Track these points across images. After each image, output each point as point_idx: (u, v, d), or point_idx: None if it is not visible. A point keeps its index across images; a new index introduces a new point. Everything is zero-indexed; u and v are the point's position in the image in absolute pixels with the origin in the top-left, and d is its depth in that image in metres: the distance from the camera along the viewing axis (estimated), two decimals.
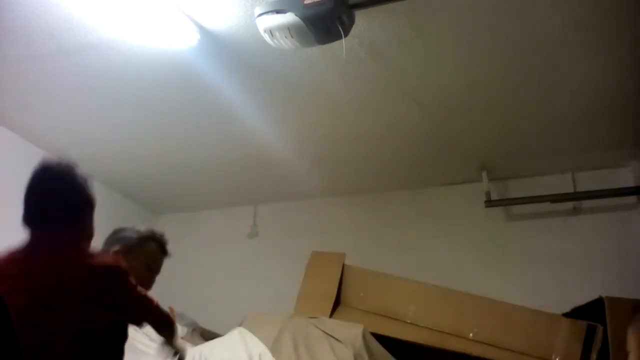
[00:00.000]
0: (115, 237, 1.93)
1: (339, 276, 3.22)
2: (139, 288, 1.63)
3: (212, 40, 2.45)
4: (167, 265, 2.03)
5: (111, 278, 1.54)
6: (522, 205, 3.60)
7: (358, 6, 2.07)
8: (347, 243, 3.65)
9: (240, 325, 3.09)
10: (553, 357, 2.62)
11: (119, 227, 1.97)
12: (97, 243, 1.76)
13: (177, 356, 1.83)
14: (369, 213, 4.00)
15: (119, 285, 1.56)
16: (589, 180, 3.48)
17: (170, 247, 2.05)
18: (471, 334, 2.79)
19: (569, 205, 3.51)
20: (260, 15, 2.08)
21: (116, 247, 1.87)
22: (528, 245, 3.53)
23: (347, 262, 3.27)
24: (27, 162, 3.31)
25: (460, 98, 2.86)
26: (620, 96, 2.77)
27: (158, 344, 1.84)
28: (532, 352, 2.66)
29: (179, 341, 1.89)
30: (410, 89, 2.80)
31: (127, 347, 1.85)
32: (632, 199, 3.38)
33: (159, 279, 2.04)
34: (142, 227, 1.98)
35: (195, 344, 3.11)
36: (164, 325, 1.78)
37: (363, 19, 2.23)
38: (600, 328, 2.57)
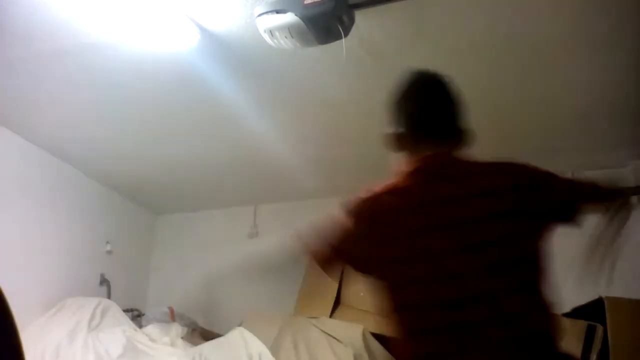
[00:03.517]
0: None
1: (339, 276, 3.22)
2: None
3: (212, 41, 2.45)
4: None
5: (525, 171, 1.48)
6: None
7: (358, 6, 2.08)
8: None
9: (240, 325, 3.09)
10: None
11: None
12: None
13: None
14: None
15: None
16: None
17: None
18: None
19: None
20: (260, 15, 2.09)
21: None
22: None
23: None
24: (27, 162, 3.35)
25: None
26: (620, 96, 2.77)
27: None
28: None
29: None
30: None
31: (127, 347, 1.80)
32: (632, 199, 3.37)
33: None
34: None
35: (195, 344, 3.11)
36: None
37: (363, 19, 2.23)
38: (600, 328, 2.56)
